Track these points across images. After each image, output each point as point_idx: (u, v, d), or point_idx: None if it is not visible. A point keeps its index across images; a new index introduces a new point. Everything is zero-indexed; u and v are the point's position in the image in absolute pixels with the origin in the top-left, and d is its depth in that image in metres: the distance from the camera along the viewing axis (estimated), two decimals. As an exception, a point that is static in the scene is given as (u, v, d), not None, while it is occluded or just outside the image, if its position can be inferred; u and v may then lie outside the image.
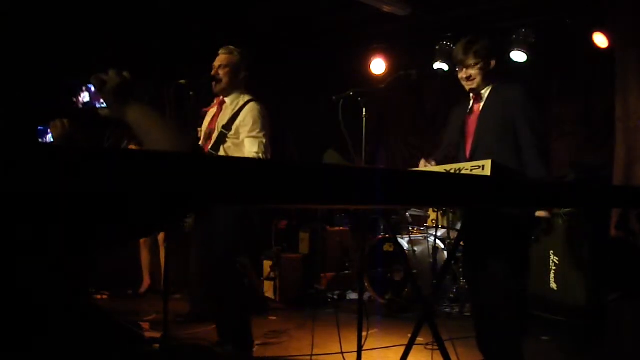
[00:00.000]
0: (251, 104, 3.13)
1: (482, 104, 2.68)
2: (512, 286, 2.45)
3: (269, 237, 5.40)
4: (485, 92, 2.70)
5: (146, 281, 5.11)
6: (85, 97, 1.26)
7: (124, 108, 1.17)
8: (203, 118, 3.46)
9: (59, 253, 0.82)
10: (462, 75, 2.71)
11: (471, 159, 2.54)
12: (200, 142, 3.22)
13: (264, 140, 3.08)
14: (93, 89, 1.22)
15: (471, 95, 2.74)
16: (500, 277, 2.43)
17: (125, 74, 1.20)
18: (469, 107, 2.75)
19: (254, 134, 3.06)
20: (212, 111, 3.27)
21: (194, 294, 4.20)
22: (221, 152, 3.11)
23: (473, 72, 2.67)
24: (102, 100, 1.22)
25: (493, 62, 2.69)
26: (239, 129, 3.09)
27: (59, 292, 0.87)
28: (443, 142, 2.92)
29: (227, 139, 3.10)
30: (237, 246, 3.10)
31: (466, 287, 4.67)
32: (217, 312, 3.21)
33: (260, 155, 3.04)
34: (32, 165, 0.63)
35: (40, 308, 0.83)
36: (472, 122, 2.69)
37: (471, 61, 2.66)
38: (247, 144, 3.07)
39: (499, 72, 2.75)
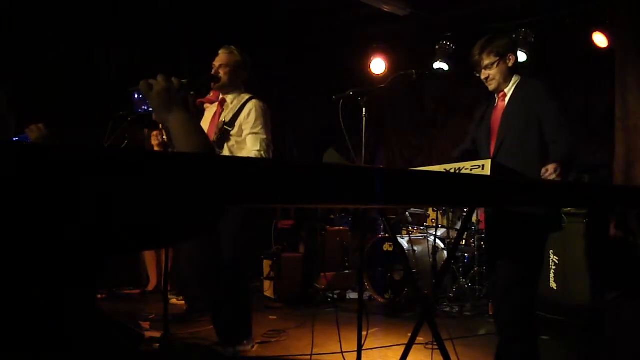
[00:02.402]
0: (253, 100, 3.14)
1: (506, 102, 2.64)
2: (526, 279, 2.42)
3: (269, 237, 5.41)
4: (510, 90, 2.65)
5: (153, 280, 5.10)
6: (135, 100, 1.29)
7: (168, 113, 1.19)
8: (200, 110, 3.51)
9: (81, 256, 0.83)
10: (481, 76, 2.68)
11: (495, 158, 2.51)
12: None
13: (266, 138, 3.09)
14: (137, 95, 1.26)
15: (496, 94, 2.71)
16: (515, 270, 2.41)
17: (173, 79, 1.21)
18: (494, 104, 2.72)
19: (256, 130, 3.07)
20: (212, 110, 3.28)
21: (190, 293, 4.19)
22: (225, 150, 3.11)
23: (491, 72, 2.64)
24: (145, 106, 1.25)
25: (512, 58, 2.64)
26: (242, 126, 3.09)
27: (67, 292, 0.87)
28: (468, 136, 2.87)
29: (230, 137, 3.10)
30: (243, 245, 3.09)
31: (468, 284, 4.68)
32: (219, 312, 3.19)
33: (262, 153, 3.05)
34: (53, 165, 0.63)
35: (44, 307, 0.83)
36: (496, 120, 2.66)
37: (487, 61, 2.63)
38: (249, 141, 3.08)
39: (519, 69, 2.69)
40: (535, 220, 2.43)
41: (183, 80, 2.97)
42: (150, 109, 1.24)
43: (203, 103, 3.76)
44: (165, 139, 3.49)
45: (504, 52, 2.63)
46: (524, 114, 2.54)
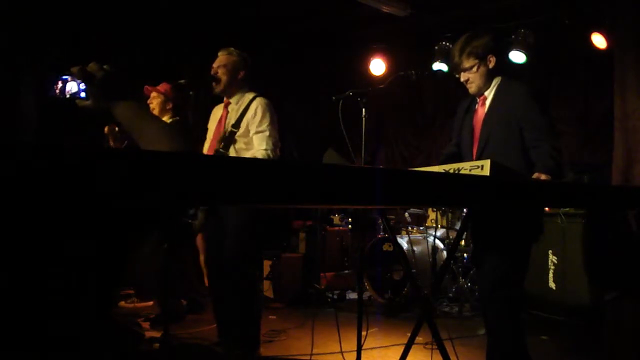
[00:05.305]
0: (258, 99, 3.12)
1: (486, 107, 2.56)
2: (511, 276, 2.40)
3: (269, 237, 5.41)
4: (490, 93, 2.56)
5: None
6: (72, 87, 1.22)
7: (111, 102, 1.15)
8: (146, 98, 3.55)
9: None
10: (461, 79, 2.59)
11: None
12: (208, 144, 3.21)
13: (273, 136, 3.06)
14: (79, 80, 1.18)
15: (477, 97, 2.62)
16: (501, 268, 2.39)
17: (106, 67, 1.17)
18: (475, 108, 2.63)
19: (262, 128, 3.04)
20: (218, 113, 3.27)
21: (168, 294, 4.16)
22: (232, 153, 3.09)
23: (470, 75, 2.54)
24: (76, 91, 1.18)
25: (492, 60, 2.52)
26: (248, 126, 3.07)
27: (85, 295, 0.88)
28: (451, 141, 2.82)
29: (237, 138, 3.07)
30: (249, 244, 3.09)
31: (467, 284, 4.69)
32: (225, 312, 3.18)
33: (269, 152, 3.02)
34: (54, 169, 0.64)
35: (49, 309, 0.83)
36: (478, 125, 2.58)
37: (466, 64, 2.53)
38: (255, 140, 3.05)
39: (501, 68, 2.56)
40: (519, 225, 2.39)
41: (182, 81, 2.94)
42: (81, 94, 1.17)
43: (150, 90, 3.77)
44: (117, 129, 3.49)
45: (484, 54, 2.52)
46: (505, 119, 2.47)
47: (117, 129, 3.49)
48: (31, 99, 1.04)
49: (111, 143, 3.55)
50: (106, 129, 3.50)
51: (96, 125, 3.57)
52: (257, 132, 3.05)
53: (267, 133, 3.05)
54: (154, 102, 3.81)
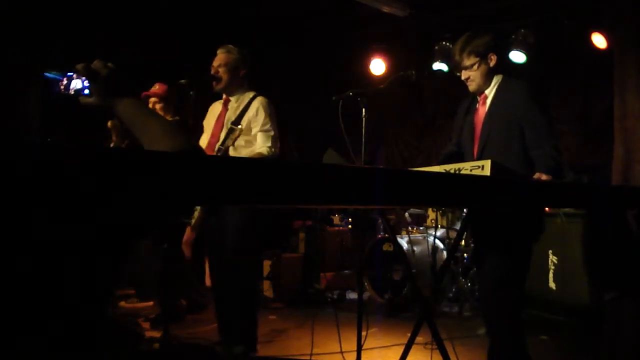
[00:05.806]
0: (259, 98, 3.17)
1: (487, 106, 2.57)
2: (512, 278, 2.41)
3: (269, 237, 5.41)
4: (491, 92, 2.57)
5: None
6: (76, 85, 1.23)
7: (114, 100, 1.16)
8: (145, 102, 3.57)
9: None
10: (462, 77, 2.61)
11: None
12: (205, 141, 3.22)
13: (275, 134, 3.14)
14: (84, 77, 1.20)
15: (477, 96, 2.63)
16: (501, 268, 2.40)
17: (110, 64, 1.18)
18: (475, 107, 2.63)
19: (266, 127, 3.11)
20: (217, 111, 3.28)
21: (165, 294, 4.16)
22: (230, 149, 3.12)
23: (471, 73, 2.55)
24: (77, 88, 1.19)
25: (493, 59, 2.54)
26: (250, 124, 3.11)
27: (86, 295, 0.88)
28: (451, 140, 2.83)
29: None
30: (249, 244, 3.10)
31: (467, 284, 4.69)
32: (226, 310, 3.18)
33: (273, 149, 3.10)
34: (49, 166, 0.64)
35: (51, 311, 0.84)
36: (478, 124, 2.58)
37: (467, 62, 2.54)
38: (259, 138, 3.11)
39: (502, 67, 2.58)
40: (520, 225, 2.39)
41: (182, 81, 2.93)
42: (84, 91, 1.18)
43: (148, 96, 3.79)
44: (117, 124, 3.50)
45: (485, 52, 2.54)
46: (505, 118, 2.48)
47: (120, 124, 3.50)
48: (37, 96, 1.03)
49: (114, 138, 3.57)
50: (110, 123, 3.52)
51: (98, 122, 3.58)
52: (261, 131, 3.11)
53: (272, 132, 3.13)
54: (156, 108, 3.83)
